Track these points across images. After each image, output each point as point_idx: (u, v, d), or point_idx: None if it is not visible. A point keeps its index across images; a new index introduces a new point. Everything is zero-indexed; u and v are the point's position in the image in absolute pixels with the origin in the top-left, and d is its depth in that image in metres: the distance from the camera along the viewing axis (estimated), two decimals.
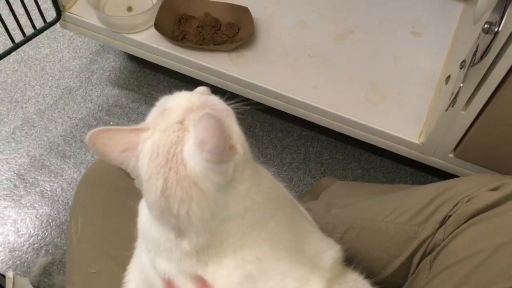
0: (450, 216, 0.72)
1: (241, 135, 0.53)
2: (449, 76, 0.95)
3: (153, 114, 0.57)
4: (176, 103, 0.55)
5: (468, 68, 0.76)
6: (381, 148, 1.03)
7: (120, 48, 1.18)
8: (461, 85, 0.76)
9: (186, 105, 0.54)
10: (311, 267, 0.60)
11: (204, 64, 1.06)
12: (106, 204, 0.78)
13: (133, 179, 0.55)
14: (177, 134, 0.52)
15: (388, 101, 1.04)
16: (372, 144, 1.04)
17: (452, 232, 0.71)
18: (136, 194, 0.58)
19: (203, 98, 0.56)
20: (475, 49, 0.74)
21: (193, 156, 0.49)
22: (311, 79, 1.06)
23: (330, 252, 0.64)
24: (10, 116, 1.25)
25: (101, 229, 0.76)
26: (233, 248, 0.52)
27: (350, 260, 0.73)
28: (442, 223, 0.73)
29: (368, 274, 0.71)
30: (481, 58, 0.74)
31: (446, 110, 0.82)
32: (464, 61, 0.80)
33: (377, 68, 1.08)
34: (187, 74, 1.12)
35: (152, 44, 1.09)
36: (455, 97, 0.78)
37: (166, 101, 0.57)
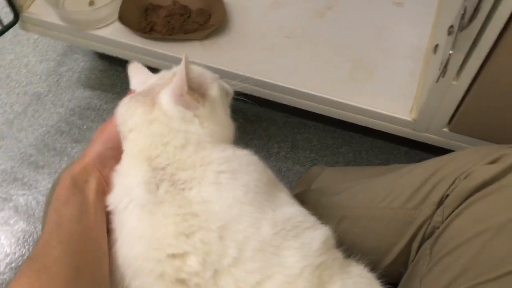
0: (447, 195, 0.66)
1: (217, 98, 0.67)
2: (437, 45, 0.88)
3: None
4: None
5: (456, 33, 0.69)
6: (372, 130, 0.97)
7: (85, 46, 1.11)
8: (451, 52, 0.69)
9: None
10: (278, 232, 0.57)
11: (175, 56, 0.99)
12: None
13: None
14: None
15: (374, 78, 0.97)
16: (362, 126, 0.98)
17: (451, 213, 0.66)
18: None
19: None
20: (462, 12, 0.67)
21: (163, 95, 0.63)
22: (290, 62, 0.99)
23: (318, 231, 0.60)
24: None
25: None
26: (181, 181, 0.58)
27: (348, 252, 0.68)
28: (440, 203, 0.68)
29: (367, 265, 0.66)
30: (470, 21, 0.68)
31: (436, 81, 0.76)
32: (451, 26, 0.73)
33: (361, 44, 1.02)
34: (159, 67, 1.04)
35: (118, 38, 1.01)
36: (445, 65, 0.72)
37: None
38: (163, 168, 0.58)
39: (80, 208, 0.56)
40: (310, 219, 0.62)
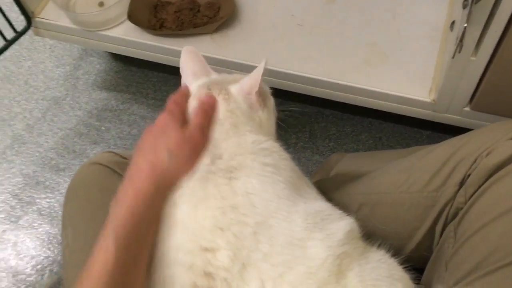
0: (469, 175, 0.64)
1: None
2: (453, 22, 0.85)
3: None
4: None
5: (471, 5, 0.66)
6: (392, 114, 0.94)
7: (97, 48, 1.11)
8: (465, 25, 0.67)
9: None
10: (308, 225, 0.57)
11: None
12: (95, 211, 0.72)
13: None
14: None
15: (390, 61, 0.94)
16: (381, 111, 0.95)
17: (474, 193, 0.64)
18: None
19: None
20: None
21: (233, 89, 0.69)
22: (303, 49, 0.97)
23: (343, 222, 0.60)
24: None
25: (91, 238, 0.69)
26: (231, 167, 0.60)
27: (369, 239, 0.66)
28: (462, 184, 0.65)
29: (389, 250, 0.64)
30: None
31: (453, 57, 0.73)
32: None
33: (375, 28, 0.99)
34: (171, 64, 1.04)
35: (129, 37, 1.01)
36: (461, 40, 0.69)
37: None
38: (220, 156, 0.60)
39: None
40: (337, 212, 0.63)
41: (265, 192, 0.58)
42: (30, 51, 1.33)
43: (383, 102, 0.92)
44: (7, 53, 1.30)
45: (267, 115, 0.71)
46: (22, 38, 1.11)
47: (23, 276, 1.00)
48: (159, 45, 1.00)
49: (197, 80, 0.73)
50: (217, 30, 1.00)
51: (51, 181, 1.11)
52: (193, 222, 0.56)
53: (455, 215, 0.67)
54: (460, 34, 0.68)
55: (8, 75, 1.29)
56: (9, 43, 1.05)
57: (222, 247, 0.54)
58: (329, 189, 0.80)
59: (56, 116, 1.21)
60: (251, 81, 0.69)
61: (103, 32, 1.03)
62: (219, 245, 0.54)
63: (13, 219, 1.07)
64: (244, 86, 0.70)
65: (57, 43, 1.33)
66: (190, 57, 0.76)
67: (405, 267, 0.63)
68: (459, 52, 0.71)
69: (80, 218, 0.72)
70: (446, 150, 0.69)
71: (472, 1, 0.66)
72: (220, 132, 0.62)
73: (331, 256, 0.56)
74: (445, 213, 0.68)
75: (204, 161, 0.58)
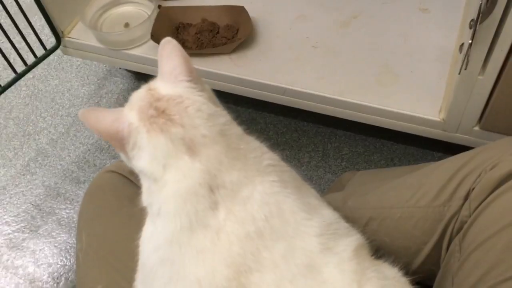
0: (473, 188, 0.65)
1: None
2: (462, 44, 0.88)
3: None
4: (137, 92, 0.59)
5: (476, 25, 0.69)
6: (404, 136, 0.97)
7: (121, 66, 1.17)
8: (470, 41, 0.69)
9: (145, 85, 0.58)
10: (323, 248, 0.54)
11: (205, 69, 1.03)
12: (109, 216, 0.75)
13: (137, 183, 0.58)
14: (150, 92, 0.55)
15: (401, 81, 0.97)
16: (393, 133, 0.97)
17: (478, 206, 0.64)
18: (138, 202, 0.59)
19: None
20: (480, 2, 0.68)
21: (170, 87, 0.55)
22: (317, 70, 1.01)
23: (350, 238, 0.58)
24: (24, 149, 1.25)
25: (105, 243, 0.72)
26: (240, 196, 0.53)
27: (377, 254, 0.67)
28: (466, 197, 0.66)
29: (398, 266, 0.64)
30: (489, 12, 0.68)
31: (459, 73, 0.76)
32: (472, 20, 0.73)
33: (387, 50, 1.03)
34: None
35: (151, 56, 1.07)
36: (466, 55, 0.72)
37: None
38: (223, 185, 0.53)
39: None
40: (345, 224, 0.61)
41: (282, 212, 0.55)
42: (58, 70, 1.40)
43: (393, 121, 0.95)
44: (36, 72, 1.38)
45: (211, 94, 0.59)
46: (51, 59, 1.18)
47: (40, 283, 1.03)
48: None
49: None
50: (235, 50, 1.05)
51: (71, 193, 1.15)
52: (220, 248, 0.52)
53: (460, 229, 0.67)
54: (465, 50, 0.71)
55: (36, 93, 1.36)
56: (39, 60, 1.11)
57: (255, 270, 0.51)
58: (338, 203, 0.82)
59: (79, 131, 1.26)
60: (179, 60, 0.56)
61: (128, 51, 1.08)
62: (252, 268, 0.51)
63: (33, 228, 1.11)
64: (180, 71, 0.56)
65: (83, 64, 1.40)
66: (95, 115, 0.57)
67: (415, 287, 0.63)
68: (465, 68, 0.74)
69: (95, 222, 0.75)
70: (453, 165, 0.70)
71: (477, 21, 0.69)
72: (207, 157, 0.53)
73: (349, 280, 0.54)
74: (451, 227, 0.68)
75: (200, 193, 0.52)
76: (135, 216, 0.72)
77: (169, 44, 0.57)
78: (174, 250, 0.52)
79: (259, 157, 0.57)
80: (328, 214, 0.60)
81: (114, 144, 0.56)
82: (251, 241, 0.51)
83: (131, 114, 0.55)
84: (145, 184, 0.57)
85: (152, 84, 0.58)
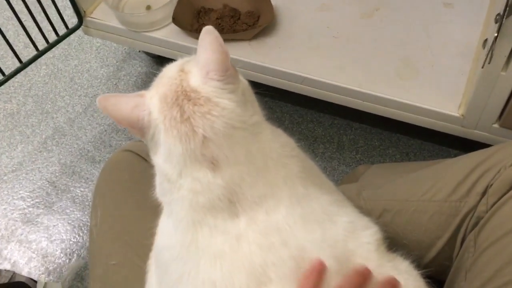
0: (492, 184, 0.64)
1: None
2: (486, 40, 0.87)
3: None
4: (170, 67, 0.55)
5: (503, 19, 0.68)
6: (420, 131, 0.96)
7: (141, 48, 1.17)
8: (496, 35, 0.68)
9: (181, 62, 0.55)
10: (347, 251, 0.53)
11: None
12: (125, 194, 0.75)
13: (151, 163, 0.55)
14: (180, 77, 0.52)
15: (421, 75, 0.96)
16: (410, 127, 0.97)
17: (496, 202, 0.63)
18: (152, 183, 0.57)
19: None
20: None
21: (201, 82, 0.50)
22: (337, 60, 1.01)
23: (370, 231, 0.58)
24: (41, 126, 1.26)
25: (120, 220, 0.73)
26: (264, 207, 0.50)
27: (390, 246, 0.67)
28: (484, 193, 0.65)
29: (410, 259, 0.64)
30: None
31: (482, 67, 0.75)
32: (498, 14, 0.72)
33: (408, 43, 1.02)
34: None
35: (172, 39, 1.07)
36: (491, 50, 0.71)
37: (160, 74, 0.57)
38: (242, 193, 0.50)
39: None
40: (364, 218, 0.60)
41: (306, 221, 0.52)
42: (78, 51, 1.41)
43: (411, 114, 0.94)
44: (56, 51, 1.39)
45: (247, 87, 0.55)
46: (72, 39, 1.18)
47: (52, 258, 1.04)
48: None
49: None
50: (255, 37, 1.05)
51: (86, 172, 1.16)
52: (240, 256, 0.50)
53: (476, 224, 0.67)
54: (490, 44, 0.70)
55: (55, 72, 1.37)
56: (60, 38, 1.12)
57: (276, 281, 0.49)
58: (352, 194, 0.81)
59: (96, 112, 1.27)
60: (216, 56, 0.51)
61: (148, 34, 1.09)
62: (273, 279, 0.49)
63: (47, 204, 1.12)
64: (213, 68, 0.51)
65: (103, 45, 1.41)
66: (113, 102, 0.53)
67: (425, 276, 0.62)
68: (489, 62, 0.73)
69: (110, 199, 0.75)
70: (472, 161, 0.69)
71: (504, 15, 0.68)
72: (230, 176, 0.50)
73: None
74: (466, 222, 0.68)
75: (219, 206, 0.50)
76: (149, 195, 0.73)
77: (209, 36, 0.52)
78: (189, 251, 0.51)
79: (286, 165, 0.54)
80: (349, 213, 0.59)
81: (134, 131, 0.53)
82: (274, 252, 0.49)
83: (152, 102, 0.52)
84: (158, 178, 0.54)
85: (187, 66, 0.53)
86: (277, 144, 0.55)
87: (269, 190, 0.51)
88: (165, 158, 0.51)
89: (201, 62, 0.52)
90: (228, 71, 0.52)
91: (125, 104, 0.52)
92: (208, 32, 0.52)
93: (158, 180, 0.55)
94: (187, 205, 0.50)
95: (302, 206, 0.53)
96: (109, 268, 0.69)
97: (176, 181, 0.51)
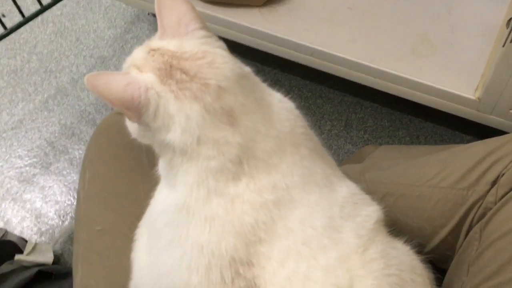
0: (503, 174, 0.60)
1: None
2: (510, 19, 0.81)
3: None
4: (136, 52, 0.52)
5: None
6: (433, 114, 0.91)
7: (150, 10, 1.13)
8: None
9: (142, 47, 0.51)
10: (344, 215, 0.51)
11: (232, 20, 0.98)
12: (116, 159, 0.72)
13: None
14: (156, 52, 0.48)
15: (439, 54, 0.91)
16: (422, 109, 0.92)
17: (506, 194, 0.59)
18: (149, 151, 0.54)
19: None
20: None
21: (183, 40, 0.48)
22: (350, 33, 0.95)
23: (371, 207, 0.55)
24: (44, 85, 1.24)
25: (108, 185, 0.70)
26: (268, 164, 0.49)
27: (390, 231, 0.63)
28: (494, 183, 0.61)
29: (411, 246, 0.61)
30: None
31: (503, 46, 0.69)
32: None
33: (427, 19, 0.96)
34: (218, 34, 1.04)
35: None
36: None
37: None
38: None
39: None
40: (365, 196, 0.57)
41: (306, 184, 0.50)
42: (86, 10, 1.37)
43: (425, 95, 0.89)
44: (64, 9, 1.36)
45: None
46: None
47: (45, 219, 1.03)
48: (207, 12, 1.00)
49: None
50: (266, 4, 1.00)
51: (85, 134, 1.14)
52: (231, 217, 0.48)
53: (483, 215, 0.63)
54: None
55: (62, 30, 1.34)
56: None
57: (264, 240, 0.48)
58: (354, 174, 0.78)
59: None
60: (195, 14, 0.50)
61: None
62: (262, 239, 0.48)
63: (44, 165, 1.10)
64: (186, 16, 0.49)
65: (112, 5, 1.37)
66: (104, 81, 0.47)
67: (426, 266, 0.59)
68: (511, 41, 0.68)
69: (100, 162, 0.72)
70: (484, 149, 0.65)
71: None
72: (246, 128, 0.48)
73: (362, 244, 0.52)
74: (473, 212, 0.64)
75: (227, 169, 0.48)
76: (140, 161, 0.70)
77: None
78: (181, 215, 0.49)
79: (293, 124, 0.52)
80: (351, 186, 0.57)
81: (129, 114, 0.48)
82: (266, 211, 0.48)
83: (146, 77, 0.47)
84: (166, 156, 0.50)
85: (153, 43, 0.50)
86: (276, 96, 0.53)
87: (276, 144, 0.49)
88: (181, 128, 0.47)
89: (172, 20, 0.49)
90: (204, 21, 0.50)
91: (117, 82, 0.47)
92: None
93: (166, 158, 0.50)
94: (196, 173, 0.48)
95: (304, 166, 0.51)
96: (94, 234, 0.67)
97: (194, 150, 0.47)
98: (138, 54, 0.50)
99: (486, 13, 0.95)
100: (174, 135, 0.47)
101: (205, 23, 0.50)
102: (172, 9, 0.49)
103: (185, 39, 0.49)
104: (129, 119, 0.50)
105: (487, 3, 0.96)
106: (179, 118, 0.47)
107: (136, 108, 0.46)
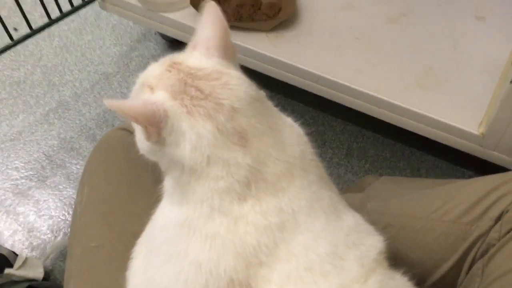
0: (507, 211, 0.59)
1: None
2: None
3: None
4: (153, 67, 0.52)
5: None
6: (435, 147, 0.91)
7: (156, 29, 1.14)
8: None
9: (165, 59, 0.51)
10: (348, 243, 0.50)
11: (240, 44, 0.99)
12: (116, 175, 0.71)
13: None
14: (174, 67, 0.48)
15: (443, 87, 0.91)
16: (424, 142, 0.92)
17: (509, 230, 0.59)
18: (155, 167, 0.53)
19: None
20: None
21: (203, 58, 0.49)
22: (356, 62, 0.96)
23: (375, 237, 0.54)
24: (46, 98, 1.23)
25: (106, 201, 0.69)
26: (276, 187, 0.48)
27: (389, 263, 0.62)
28: (498, 219, 0.60)
29: (411, 280, 0.60)
30: None
31: (510, 82, 0.69)
32: None
33: (433, 53, 0.96)
34: None
35: (188, 23, 1.03)
36: None
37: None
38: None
39: None
40: (369, 226, 0.56)
41: (312, 210, 0.49)
42: (93, 26, 1.38)
43: (428, 127, 0.89)
44: (71, 25, 1.37)
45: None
46: (88, 14, 1.15)
47: (38, 234, 1.01)
48: None
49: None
50: (274, 29, 1.00)
51: (84, 149, 1.13)
52: (234, 237, 0.47)
53: (485, 251, 0.62)
54: None
55: (67, 45, 1.34)
56: (74, 9, 1.09)
57: (265, 264, 0.47)
58: (355, 204, 0.77)
59: (103, 90, 1.24)
60: (215, 30, 0.49)
61: (165, 14, 1.05)
62: (263, 262, 0.47)
63: (41, 178, 1.09)
64: (211, 40, 0.49)
65: (119, 23, 1.38)
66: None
67: None
68: None
69: (99, 179, 0.71)
70: (488, 184, 0.65)
71: None
72: (257, 151, 0.47)
73: (364, 273, 0.52)
74: (475, 248, 0.63)
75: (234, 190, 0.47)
76: (141, 178, 0.69)
77: (211, 10, 0.50)
78: (182, 231, 0.48)
79: (303, 150, 0.52)
80: (356, 215, 0.56)
81: (151, 131, 0.47)
82: (269, 233, 0.47)
83: (157, 95, 0.47)
84: (174, 174, 0.49)
85: (178, 56, 0.51)
86: (287, 121, 0.54)
87: (286, 168, 0.48)
88: (192, 145, 0.46)
89: (201, 38, 0.50)
90: (229, 50, 0.50)
91: (134, 101, 0.48)
92: (210, 7, 0.50)
93: (173, 175, 0.50)
94: (201, 190, 0.47)
95: (312, 191, 0.50)
96: (88, 249, 0.66)
97: (203, 170, 0.47)
98: (154, 71, 0.50)
99: (492, 50, 0.96)
100: (184, 152, 0.47)
101: (230, 52, 0.50)
102: (206, 27, 0.50)
103: (206, 58, 0.49)
104: (148, 137, 0.48)
105: (493, 41, 0.97)
106: (190, 135, 0.46)
107: (157, 122, 0.46)
